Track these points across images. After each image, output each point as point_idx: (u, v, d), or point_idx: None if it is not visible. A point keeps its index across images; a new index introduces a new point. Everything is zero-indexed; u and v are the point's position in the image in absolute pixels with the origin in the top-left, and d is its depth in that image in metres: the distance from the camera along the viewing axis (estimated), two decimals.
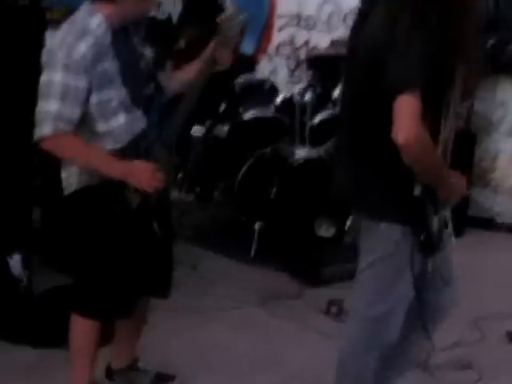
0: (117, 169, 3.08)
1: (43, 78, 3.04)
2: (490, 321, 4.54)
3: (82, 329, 3.34)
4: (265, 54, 7.93)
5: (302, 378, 4.01)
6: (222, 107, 5.81)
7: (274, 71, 7.85)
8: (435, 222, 2.84)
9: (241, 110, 5.70)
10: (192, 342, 4.24)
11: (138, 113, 3.18)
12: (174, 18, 7.14)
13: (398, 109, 2.60)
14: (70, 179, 3.19)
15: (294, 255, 5.43)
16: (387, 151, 2.66)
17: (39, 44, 3.68)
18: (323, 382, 3.69)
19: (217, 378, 3.94)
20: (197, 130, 5.65)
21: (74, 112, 3.01)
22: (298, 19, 7.89)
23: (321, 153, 5.84)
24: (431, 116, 2.69)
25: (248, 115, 5.69)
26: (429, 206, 2.79)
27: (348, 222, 5.81)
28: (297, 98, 5.84)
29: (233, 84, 5.78)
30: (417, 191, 2.73)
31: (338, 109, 5.97)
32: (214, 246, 5.66)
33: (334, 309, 4.72)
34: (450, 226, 2.95)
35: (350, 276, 5.11)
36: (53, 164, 3.32)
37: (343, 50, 6.59)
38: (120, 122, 3.12)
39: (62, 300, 3.87)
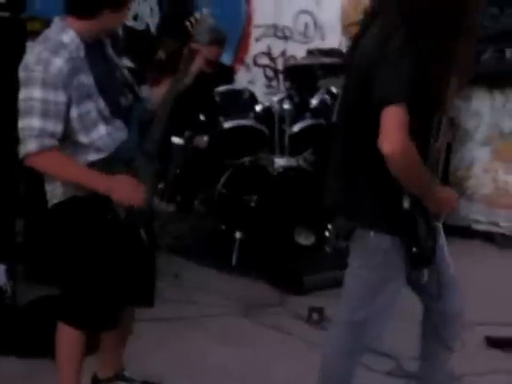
0: (100, 184, 3.10)
1: (22, 95, 3.05)
2: (469, 327, 4.57)
3: (68, 338, 3.34)
4: (242, 65, 8.01)
5: None
6: (202, 117, 5.85)
7: (251, 81, 7.94)
8: (427, 235, 2.88)
9: (220, 119, 5.73)
10: (175, 352, 4.25)
11: (118, 123, 3.21)
12: (152, 29, 7.19)
13: (385, 120, 2.65)
14: (55, 191, 3.20)
15: (274, 264, 5.46)
16: (377, 163, 2.71)
17: (20, 55, 3.68)
18: None
19: None
20: (177, 141, 5.68)
21: (57, 127, 3.03)
22: (275, 30, 7.99)
23: (300, 162, 5.91)
24: (421, 129, 2.76)
25: (228, 125, 5.72)
26: (419, 218, 2.84)
27: (327, 230, 5.88)
28: (276, 108, 5.89)
29: (212, 94, 5.82)
30: (406, 204, 2.78)
31: (316, 118, 6.06)
32: (195, 255, 5.70)
33: (315, 316, 4.76)
34: (443, 237, 2.99)
35: (331, 284, 5.26)
36: (35, 176, 3.32)
37: (319, 60, 6.74)
38: (101, 133, 3.14)
39: (47, 310, 3.88)
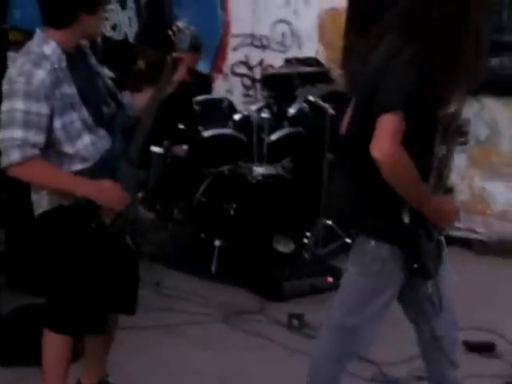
0: (85, 190, 3.14)
1: (4, 107, 3.08)
2: None
3: (54, 345, 3.37)
4: (220, 74, 8.05)
5: None
6: (181, 126, 5.89)
7: (229, 90, 7.98)
8: (429, 249, 2.93)
9: (200, 128, 5.79)
10: (157, 359, 4.28)
11: (102, 132, 3.25)
12: (131, 39, 7.22)
13: (379, 126, 2.72)
14: (41, 200, 3.23)
15: (254, 271, 5.50)
16: (380, 173, 2.76)
17: (2, 64, 3.72)
18: None
19: None
20: (156, 150, 5.71)
21: (39, 137, 3.06)
22: (252, 39, 8.02)
23: (278, 170, 5.95)
24: (425, 138, 2.85)
25: (207, 133, 5.78)
26: (421, 232, 2.89)
27: (306, 238, 5.94)
28: (254, 117, 5.94)
29: (191, 103, 5.86)
30: (405, 217, 2.84)
31: (294, 126, 6.11)
32: (175, 263, 5.72)
33: (295, 322, 4.80)
34: (445, 250, 3.04)
35: (310, 290, 5.32)
36: (16, 185, 3.35)
37: (297, 69, 6.79)
38: (85, 143, 3.18)
39: (31, 318, 3.89)
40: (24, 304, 4.07)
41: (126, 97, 3.48)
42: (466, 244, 6.55)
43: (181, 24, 3.35)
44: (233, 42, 8.08)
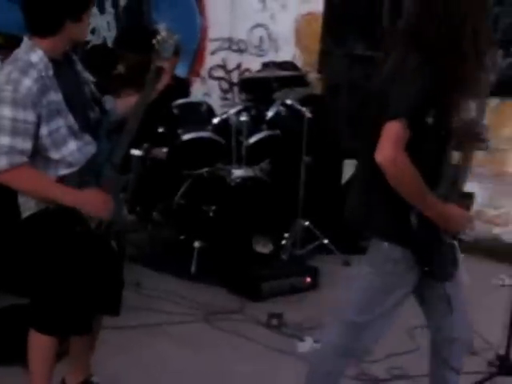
0: (72, 200, 3.19)
1: None
2: (424, 330, 4.66)
3: (40, 345, 3.41)
4: (198, 77, 8.12)
5: None
6: (161, 129, 5.95)
7: (207, 93, 8.05)
8: (441, 251, 3.03)
9: (179, 131, 5.84)
10: (138, 358, 4.34)
11: (87, 138, 3.29)
12: (109, 43, 7.26)
13: (383, 133, 2.84)
14: (28, 203, 3.28)
15: (233, 271, 5.57)
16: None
17: None
18: None
19: None
20: (135, 152, 5.76)
21: (26, 144, 3.10)
22: (230, 43, 8.09)
23: (256, 172, 6.03)
24: (434, 146, 2.96)
25: (186, 137, 5.84)
26: (432, 236, 2.99)
27: (284, 239, 6.02)
28: (233, 120, 6.02)
29: (169, 106, 5.92)
30: (413, 220, 2.94)
31: (272, 129, 6.19)
32: (155, 264, 5.79)
33: (274, 322, 4.87)
34: (459, 254, 3.12)
35: (288, 290, 5.39)
36: (1, 189, 3.38)
37: (274, 73, 6.87)
38: (71, 149, 3.22)
39: (16, 319, 3.92)
40: (9, 305, 4.10)
41: (109, 102, 3.52)
42: None
43: (164, 33, 3.36)
44: (211, 46, 8.15)
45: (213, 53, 8.16)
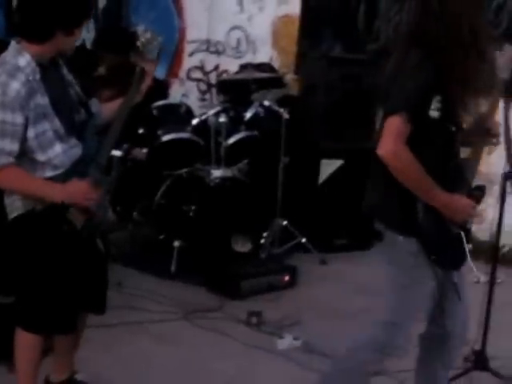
0: (57, 194, 3.25)
1: None
2: None
3: (26, 343, 3.48)
4: (176, 78, 8.17)
5: None
6: (141, 130, 6.01)
7: (185, 94, 8.10)
8: (447, 240, 3.15)
9: (159, 132, 5.90)
10: (121, 356, 4.40)
11: (73, 141, 3.35)
12: (88, 44, 7.30)
13: (385, 127, 2.97)
14: (14, 204, 3.33)
15: (213, 270, 5.64)
16: None
17: None
18: None
19: None
20: (115, 153, 5.79)
21: (14, 146, 3.17)
22: (208, 45, 8.14)
23: (235, 172, 6.11)
24: (440, 141, 3.07)
25: (166, 137, 5.89)
26: (437, 226, 3.10)
27: (263, 238, 6.10)
28: (212, 121, 6.08)
29: (149, 108, 5.98)
30: (420, 212, 3.06)
31: (250, 130, 6.26)
32: (136, 263, 5.85)
33: (253, 320, 4.94)
34: (466, 245, 3.24)
35: (267, 288, 5.47)
36: None
37: (252, 74, 6.93)
38: (57, 152, 3.28)
39: (2, 317, 3.95)
40: None
41: (95, 105, 3.57)
42: None
43: (149, 35, 3.41)
44: (189, 47, 8.20)
45: (191, 54, 8.21)
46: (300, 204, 6.55)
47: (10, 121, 3.13)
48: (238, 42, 8.00)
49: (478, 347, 4.24)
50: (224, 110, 6.20)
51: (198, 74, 8.26)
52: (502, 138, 3.38)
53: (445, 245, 3.15)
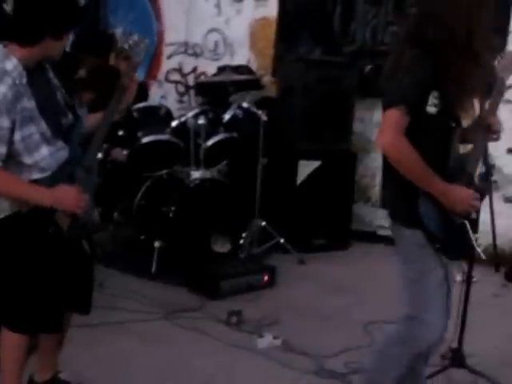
0: (45, 198, 3.27)
1: None
2: (379, 325, 4.77)
3: (12, 343, 3.51)
4: (155, 80, 8.23)
5: None
6: (121, 132, 6.05)
7: (163, 96, 8.16)
8: (449, 230, 3.22)
9: (139, 134, 5.96)
10: (102, 355, 4.43)
11: (60, 143, 3.36)
12: (67, 47, 7.31)
13: (383, 120, 3.08)
14: (1, 206, 3.34)
15: (193, 271, 5.69)
16: None
17: None
18: None
19: None
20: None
21: (1, 149, 3.18)
22: (186, 47, 8.20)
23: (214, 173, 6.17)
24: (441, 134, 3.16)
25: (146, 139, 5.95)
26: (439, 214, 3.18)
27: (242, 238, 6.16)
28: (191, 123, 6.13)
29: (129, 110, 6.01)
30: (421, 203, 3.15)
31: (229, 132, 6.32)
32: (117, 263, 5.89)
33: (233, 319, 4.99)
34: (472, 235, 3.31)
35: (246, 288, 5.53)
36: None
37: (230, 77, 6.99)
38: (43, 155, 3.30)
39: None
40: None
41: (81, 110, 3.60)
42: (391, 242, 6.79)
43: (136, 37, 3.43)
44: (167, 50, 8.26)
45: (169, 57, 8.28)
46: (278, 205, 6.62)
47: None
48: (216, 44, 8.06)
49: (454, 345, 4.31)
50: (203, 112, 6.26)
51: (176, 76, 8.33)
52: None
53: (448, 234, 3.22)
